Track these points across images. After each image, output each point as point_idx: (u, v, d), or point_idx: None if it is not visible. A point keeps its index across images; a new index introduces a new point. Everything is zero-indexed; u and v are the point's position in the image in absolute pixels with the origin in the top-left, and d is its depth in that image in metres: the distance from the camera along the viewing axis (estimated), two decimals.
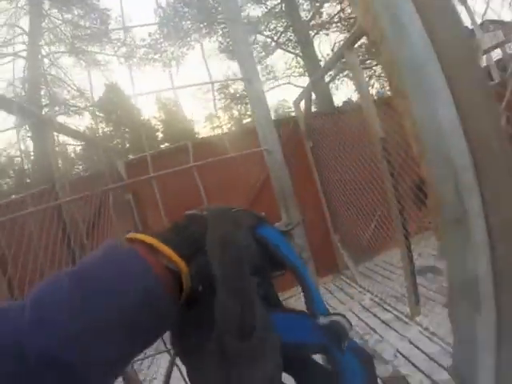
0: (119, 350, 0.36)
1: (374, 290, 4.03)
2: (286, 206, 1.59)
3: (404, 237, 2.96)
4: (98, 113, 17.18)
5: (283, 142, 5.01)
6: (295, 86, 16.48)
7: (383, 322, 3.36)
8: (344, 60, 3.24)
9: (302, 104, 4.89)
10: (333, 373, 0.48)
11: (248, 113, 18.42)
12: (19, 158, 15.14)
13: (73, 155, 19.11)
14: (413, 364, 2.65)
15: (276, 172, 1.61)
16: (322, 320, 0.49)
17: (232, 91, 16.43)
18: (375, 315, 3.54)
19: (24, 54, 13.18)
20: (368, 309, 3.73)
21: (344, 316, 0.50)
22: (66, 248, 2.82)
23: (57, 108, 14.82)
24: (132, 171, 4.94)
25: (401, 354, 2.82)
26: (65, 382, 0.32)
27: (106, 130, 18.68)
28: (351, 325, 0.50)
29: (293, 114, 5.81)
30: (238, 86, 15.98)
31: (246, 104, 17.98)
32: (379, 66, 13.21)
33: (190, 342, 0.43)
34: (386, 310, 3.57)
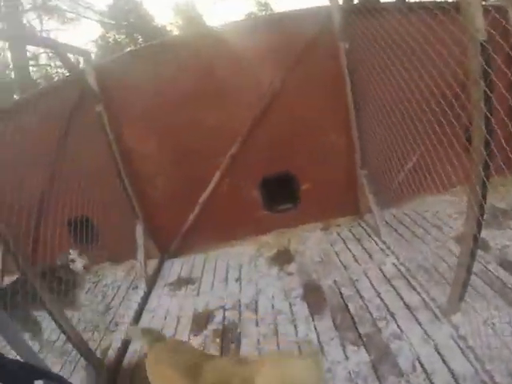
0: None
1: (401, 252, 3.20)
2: None
3: (481, 194, 1.90)
4: (108, 21, 16.03)
5: (307, 39, 3.73)
6: None
7: (407, 306, 2.58)
8: None
9: None
10: None
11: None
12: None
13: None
14: None
15: None
16: None
17: None
18: (397, 292, 2.75)
19: None
20: (389, 279, 2.93)
21: None
22: None
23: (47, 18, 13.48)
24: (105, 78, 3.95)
25: (421, 366, 2.08)
26: None
27: (117, 38, 17.25)
28: None
29: None
30: None
31: (272, 10, 16.02)
32: None
33: None
34: (411, 287, 2.76)
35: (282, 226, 4.35)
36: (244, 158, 4.17)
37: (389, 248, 3.34)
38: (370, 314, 2.61)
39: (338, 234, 3.91)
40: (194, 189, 4.32)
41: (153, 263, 4.37)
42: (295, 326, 2.71)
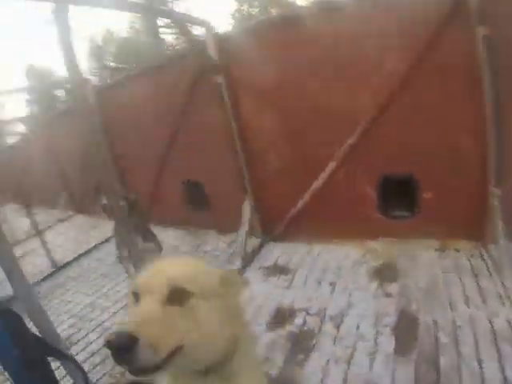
0: None
1: None
2: None
3: None
4: None
5: (437, 21, 3.11)
6: None
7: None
8: None
9: None
10: None
11: None
12: None
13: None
14: None
15: None
16: None
17: None
18: (501, 363, 2.31)
19: None
20: (497, 340, 2.49)
21: None
22: None
23: None
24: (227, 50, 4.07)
25: None
26: None
27: (251, 11, 17.07)
28: None
29: None
30: None
31: None
32: None
33: None
34: None
35: (394, 235, 3.99)
36: (364, 150, 3.87)
37: (508, 297, 2.80)
38: (460, 379, 2.28)
39: (455, 261, 3.41)
40: (306, 174, 4.24)
41: (254, 242, 4.51)
42: (372, 360, 2.57)
